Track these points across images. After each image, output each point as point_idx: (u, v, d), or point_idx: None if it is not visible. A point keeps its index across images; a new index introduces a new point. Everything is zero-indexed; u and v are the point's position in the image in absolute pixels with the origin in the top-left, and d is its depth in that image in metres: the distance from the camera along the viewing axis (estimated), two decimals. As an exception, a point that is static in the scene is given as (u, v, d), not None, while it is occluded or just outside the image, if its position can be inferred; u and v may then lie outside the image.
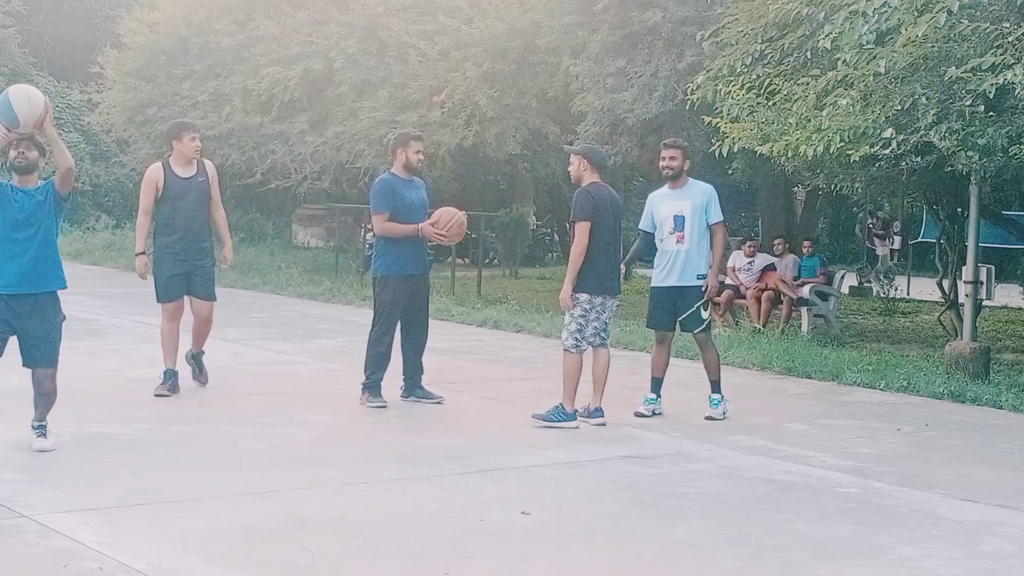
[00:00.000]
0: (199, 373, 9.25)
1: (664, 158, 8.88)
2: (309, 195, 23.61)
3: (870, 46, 9.46)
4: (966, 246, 11.40)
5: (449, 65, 18.68)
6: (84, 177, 29.02)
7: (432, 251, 9.29)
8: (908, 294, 20.01)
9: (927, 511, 6.32)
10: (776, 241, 15.60)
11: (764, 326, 14.08)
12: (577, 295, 8.27)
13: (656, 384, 8.85)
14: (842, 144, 9.74)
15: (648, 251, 9.45)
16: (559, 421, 8.14)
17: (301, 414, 8.38)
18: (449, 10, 19.32)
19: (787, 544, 5.60)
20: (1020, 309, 17.96)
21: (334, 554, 5.20)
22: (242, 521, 5.65)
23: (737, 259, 14.87)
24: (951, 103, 9.44)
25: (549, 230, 29.73)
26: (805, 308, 14.35)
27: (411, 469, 6.87)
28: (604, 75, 15.19)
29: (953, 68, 9.07)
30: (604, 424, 8.28)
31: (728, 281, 14.36)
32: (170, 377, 8.93)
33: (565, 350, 8.31)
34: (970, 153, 9.40)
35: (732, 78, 11.46)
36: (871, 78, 9.72)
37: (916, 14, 9.12)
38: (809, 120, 10.10)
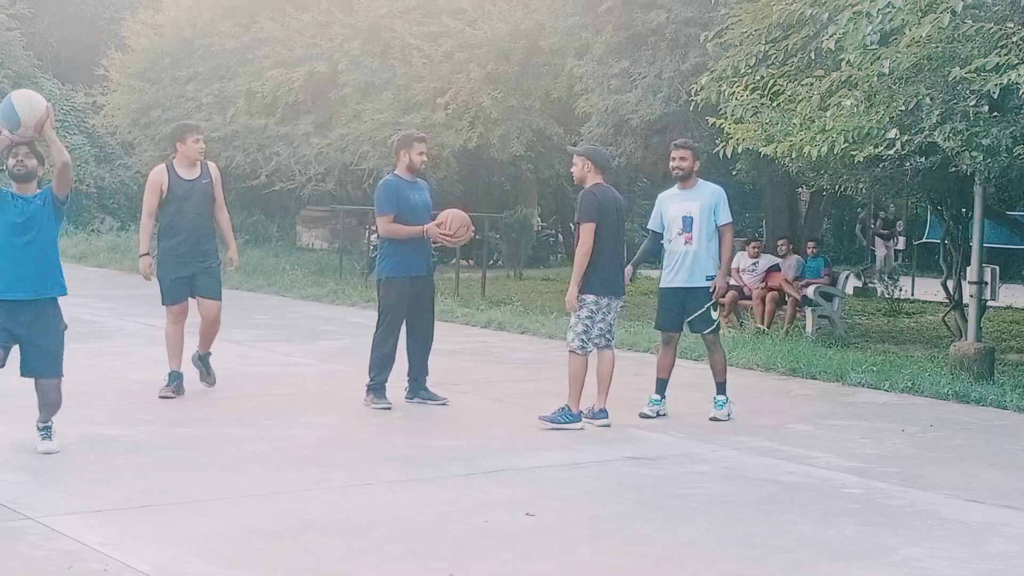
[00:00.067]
0: (206, 374, 9.26)
1: (674, 158, 8.86)
2: (313, 197, 23.62)
3: (874, 47, 9.46)
4: (970, 246, 11.38)
5: (453, 67, 18.68)
6: (88, 179, 29.09)
7: (436, 253, 9.28)
8: (912, 295, 19.99)
9: (932, 512, 6.32)
10: (780, 242, 15.60)
11: (768, 327, 14.08)
12: (583, 296, 8.26)
13: (661, 385, 8.85)
14: (846, 145, 9.74)
15: (655, 252, 9.45)
16: (565, 422, 8.14)
17: (306, 416, 8.38)
18: (453, 12, 19.34)
19: (791, 545, 5.60)
20: (1025, 309, 17.95)
21: (339, 555, 5.20)
22: (247, 523, 5.65)
23: (741, 260, 14.87)
24: (955, 103, 9.43)
25: (553, 231, 29.73)
26: (809, 309, 14.33)
27: (416, 470, 6.88)
28: (608, 76, 15.19)
29: (957, 68, 9.06)
30: (609, 425, 8.28)
31: (732, 282, 14.36)
32: (175, 379, 8.94)
33: (571, 351, 8.30)
34: (974, 153, 9.39)
35: (736, 79, 11.46)
36: (875, 79, 9.72)
37: (920, 14, 9.11)
38: (813, 121, 10.09)
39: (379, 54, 19.87)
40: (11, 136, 6.73)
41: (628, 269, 9.05)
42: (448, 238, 8.79)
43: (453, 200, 20.45)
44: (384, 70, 19.70)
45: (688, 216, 8.71)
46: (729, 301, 14.16)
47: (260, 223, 27.45)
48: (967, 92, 9.24)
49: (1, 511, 5.67)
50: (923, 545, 5.66)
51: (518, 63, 18.53)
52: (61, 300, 6.98)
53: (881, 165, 10.83)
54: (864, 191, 12.84)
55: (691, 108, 12.93)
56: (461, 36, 18.74)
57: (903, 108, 9.62)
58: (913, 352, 12.85)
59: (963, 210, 12.25)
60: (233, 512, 5.84)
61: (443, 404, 8.91)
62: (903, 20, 9.19)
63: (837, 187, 12.64)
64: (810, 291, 14.43)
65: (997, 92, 8.89)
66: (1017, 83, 8.65)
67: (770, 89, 10.96)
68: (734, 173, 15.31)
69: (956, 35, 9.21)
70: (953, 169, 10.16)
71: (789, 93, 10.67)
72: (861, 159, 9.88)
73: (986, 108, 9.37)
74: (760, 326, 14.09)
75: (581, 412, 8.25)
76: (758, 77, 11.25)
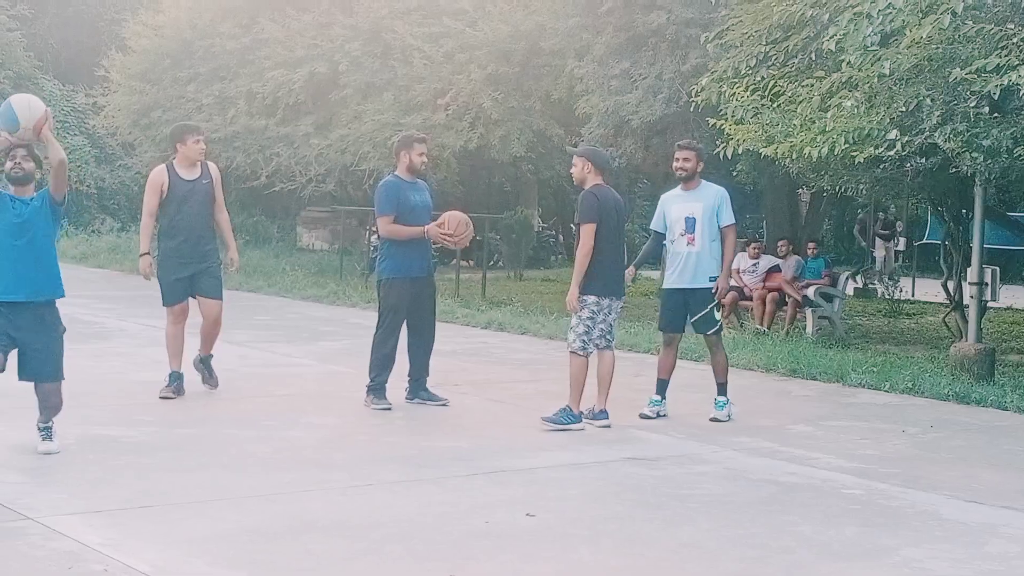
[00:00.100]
0: (209, 377, 9.23)
1: (678, 159, 8.86)
2: (314, 198, 23.64)
3: (875, 48, 9.46)
4: (971, 247, 11.39)
5: (453, 68, 18.70)
6: (89, 180, 29.09)
7: (436, 254, 9.28)
8: (913, 295, 20.00)
9: (932, 512, 6.31)
10: (779, 243, 15.61)
11: (769, 328, 14.08)
12: (584, 297, 8.26)
13: (662, 386, 8.85)
14: (847, 146, 9.74)
15: (657, 253, 9.44)
16: (567, 423, 8.14)
17: (306, 416, 8.38)
18: (453, 13, 19.35)
19: (792, 545, 5.60)
20: (1025, 310, 17.95)
21: (339, 556, 5.20)
22: (247, 523, 5.65)
23: (741, 261, 14.87)
24: (956, 104, 9.43)
25: (554, 232, 29.74)
26: (810, 310, 14.34)
27: (416, 471, 6.88)
28: (608, 77, 15.20)
29: (958, 69, 9.06)
30: (609, 426, 8.28)
31: (732, 283, 14.35)
32: (175, 379, 8.94)
33: (572, 353, 8.30)
34: (975, 154, 9.39)
35: (736, 80, 11.46)
36: (876, 80, 9.72)
37: (920, 15, 9.12)
38: (814, 122, 10.09)
39: (380, 55, 19.89)
40: (10, 138, 6.74)
41: (630, 270, 9.06)
42: (448, 238, 8.79)
43: (453, 201, 20.48)
44: (385, 71, 19.71)
45: (691, 217, 8.70)
46: (729, 302, 14.16)
47: (260, 224, 27.46)
48: (968, 93, 9.24)
49: (1, 511, 5.67)
50: (923, 546, 5.66)
51: (519, 64, 18.54)
52: (60, 301, 6.98)
53: (882, 166, 10.83)
54: (865, 192, 12.84)
55: (691, 109, 12.93)
56: (462, 37, 18.76)
57: (904, 109, 9.63)
58: (913, 353, 12.85)
59: (963, 211, 12.25)
60: (233, 513, 5.84)
61: (444, 405, 8.91)
62: (904, 21, 9.20)
63: (837, 188, 12.65)
64: (810, 292, 14.43)
65: (998, 93, 8.89)
66: (1018, 84, 8.65)
67: (770, 90, 10.96)
68: (734, 174, 15.32)
69: (957, 36, 9.21)
70: (953, 170, 10.16)
71: (790, 94, 10.67)
72: (861, 160, 9.88)
73: (987, 109, 9.37)
74: (759, 327, 14.09)
75: (581, 413, 8.25)
76: (758, 78, 11.25)
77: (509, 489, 6.54)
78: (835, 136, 9.76)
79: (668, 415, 8.75)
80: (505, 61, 18.44)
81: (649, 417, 8.67)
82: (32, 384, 6.93)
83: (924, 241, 25.70)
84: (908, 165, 10.89)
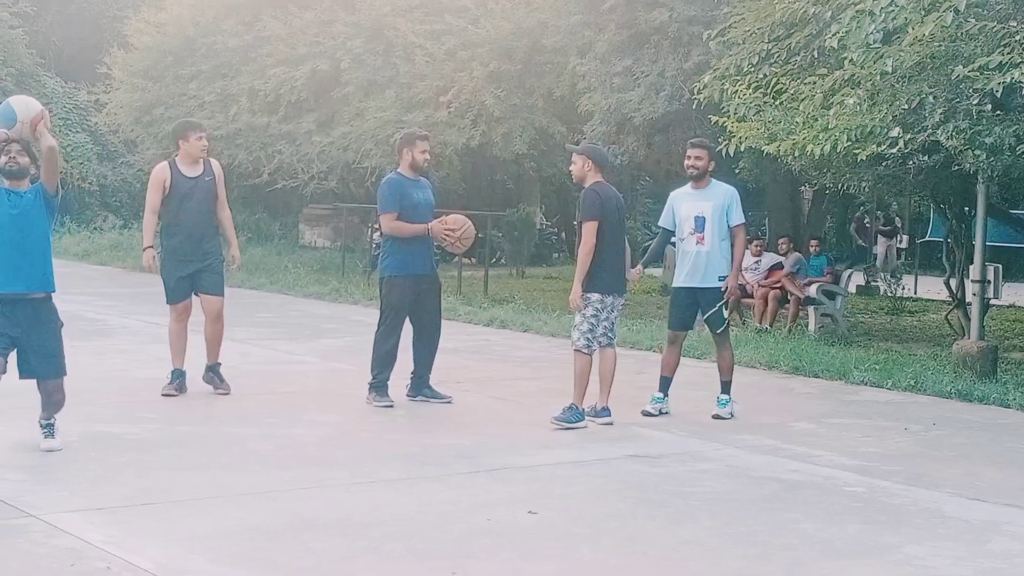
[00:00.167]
0: (220, 383, 9.07)
1: (690, 157, 8.84)
2: (316, 195, 23.63)
3: (877, 45, 9.45)
4: (973, 245, 11.38)
5: (456, 65, 18.69)
6: (91, 177, 29.08)
7: (438, 252, 9.28)
8: (915, 293, 19.98)
9: (934, 510, 6.31)
10: (780, 240, 15.61)
11: (771, 325, 14.08)
12: (588, 295, 8.24)
13: (665, 383, 8.84)
14: (849, 143, 9.73)
15: (663, 252, 9.41)
16: (575, 422, 8.13)
17: (308, 414, 8.38)
18: (455, 10, 19.34)
19: (794, 543, 5.59)
20: (1028, 308, 17.93)
21: (339, 554, 5.20)
22: (248, 521, 5.65)
23: (744, 258, 14.84)
24: (958, 102, 9.42)
25: (556, 229, 29.73)
26: (812, 307, 14.33)
27: (417, 469, 6.87)
28: (611, 74, 15.19)
29: (960, 67, 9.05)
30: (611, 423, 8.28)
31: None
32: (177, 377, 8.94)
33: (576, 351, 8.28)
34: (977, 152, 9.38)
35: (739, 77, 11.45)
36: (878, 77, 9.71)
37: (923, 13, 9.10)
38: (816, 119, 10.09)
39: (382, 52, 19.88)
40: (8, 133, 6.76)
41: (638, 268, 9.06)
42: (450, 233, 8.77)
43: (456, 198, 20.50)
44: (387, 68, 19.70)
45: (700, 216, 8.69)
46: (732, 300, 14.15)
47: (262, 221, 27.44)
48: (970, 91, 9.23)
49: (3, 509, 5.67)
50: (926, 543, 5.65)
51: (521, 61, 18.53)
52: (60, 298, 6.98)
53: (884, 164, 10.83)
54: (867, 190, 12.84)
55: (694, 106, 12.92)
56: (464, 34, 18.74)
57: (906, 107, 9.61)
58: (916, 350, 12.84)
59: (966, 208, 12.24)
60: (235, 510, 5.84)
61: (447, 402, 8.91)
62: (906, 18, 9.18)
63: (840, 186, 12.64)
64: (813, 289, 14.43)
65: (1000, 91, 8.87)
66: (1020, 82, 8.64)
67: (773, 87, 10.95)
68: (737, 172, 15.30)
69: (959, 33, 9.20)
70: (956, 168, 10.16)
71: (792, 91, 10.66)
72: (864, 157, 9.87)
73: (989, 107, 9.36)
74: (759, 325, 14.08)
75: (583, 410, 8.25)
76: (761, 75, 11.24)
77: (511, 487, 6.54)
78: (837, 133, 9.75)
79: (670, 412, 8.74)
80: (507, 58, 18.42)
81: (651, 414, 8.66)
82: (34, 382, 6.93)
83: (927, 238, 25.69)
84: (910, 163, 10.88)
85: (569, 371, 8.31)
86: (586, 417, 8.23)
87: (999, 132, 9.23)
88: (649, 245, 12.97)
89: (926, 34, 9.04)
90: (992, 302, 11.79)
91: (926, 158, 10.61)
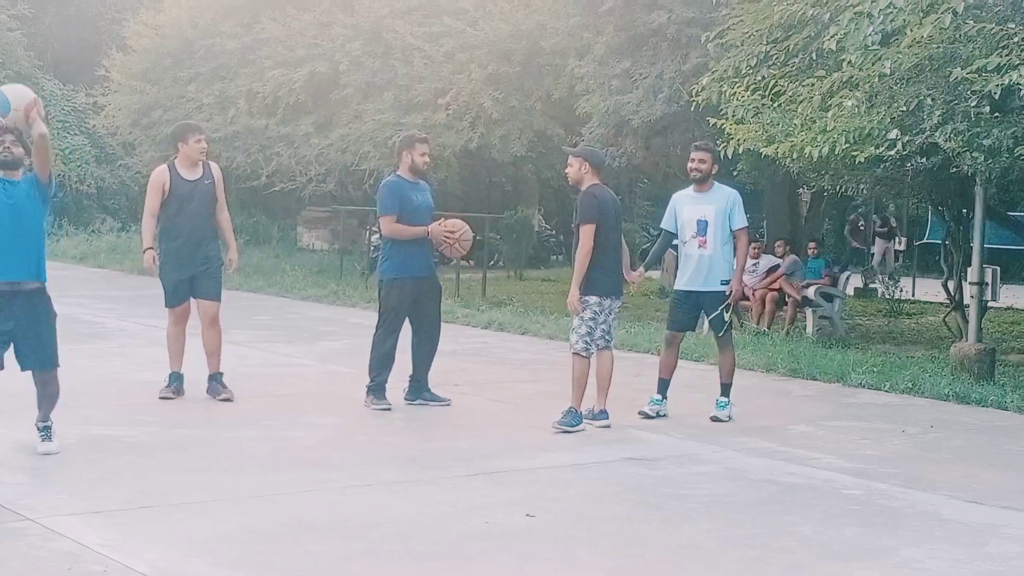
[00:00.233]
0: (223, 389, 8.97)
1: (694, 160, 8.83)
2: (314, 197, 23.65)
3: (875, 47, 9.46)
4: (971, 247, 11.38)
5: (454, 67, 18.70)
6: (89, 180, 29.08)
7: (437, 255, 9.27)
8: (913, 295, 19.98)
9: (932, 513, 6.31)
10: (776, 243, 15.61)
11: (769, 327, 14.08)
12: (587, 298, 8.23)
13: (663, 385, 8.84)
14: (847, 145, 9.74)
15: (663, 255, 9.40)
16: (575, 425, 8.12)
17: (306, 417, 8.38)
18: (454, 12, 19.36)
19: (792, 546, 5.59)
20: (1026, 310, 17.93)
21: (338, 556, 5.20)
22: (247, 524, 5.65)
23: (744, 261, 14.85)
24: (956, 104, 9.43)
25: (554, 232, 29.73)
26: (810, 309, 14.34)
27: (415, 471, 6.87)
28: (609, 77, 15.20)
29: (958, 69, 9.06)
30: (609, 426, 8.28)
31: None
32: (175, 380, 8.93)
33: (575, 354, 8.26)
34: (975, 154, 9.39)
35: (737, 79, 11.46)
36: (876, 79, 9.72)
37: (921, 15, 9.11)
38: (814, 121, 10.09)
39: (380, 55, 19.89)
40: (2, 120, 6.76)
41: (639, 271, 9.05)
42: (450, 235, 8.76)
43: (454, 200, 20.49)
44: (385, 71, 19.71)
45: (703, 220, 8.68)
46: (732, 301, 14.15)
47: (261, 224, 27.46)
48: (968, 93, 9.24)
49: (1, 512, 5.66)
50: (923, 546, 5.66)
51: (519, 64, 18.54)
52: (58, 299, 6.97)
53: (882, 166, 10.83)
54: (865, 192, 12.85)
55: (692, 109, 12.92)
56: (462, 37, 18.76)
57: (904, 109, 9.62)
58: (914, 353, 12.84)
59: (964, 211, 12.25)
60: (233, 513, 5.84)
61: (446, 405, 8.90)
62: (904, 21, 9.19)
63: (838, 188, 12.65)
64: (811, 292, 14.43)
65: (998, 93, 8.88)
66: (1018, 84, 8.65)
67: (771, 90, 10.96)
68: (735, 174, 15.29)
69: (957, 36, 9.21)
70: (954, 170, 10.16)
71: (790, 94, 10.67)
72: (862, 160, 9.87)
73: (987, 109, 9.36)
74: (757, 327, 14.08)
75: (581, 413, 8.24)
76: (759, 78, 11.25)
77: (508, 489, 6.53)
78: (836, 136, 9.76)
79: (668, 415, 8.74)
80: (506, 61, 18.44)
81: (649, 416, 8.66)
82: (31, 378, 6.92)
83: (925, 241, 25.69)
84: (909, 165, 10.89)
85: (567, 374, 8.31)
86: (584, 420, 8.22)
87: (997, 134, 9.24)
88: (648, 248, 12.97)
89: (924, 36, 9.06)
90: (990, 304, 11.79)
91: (924, 160, 10.62)
